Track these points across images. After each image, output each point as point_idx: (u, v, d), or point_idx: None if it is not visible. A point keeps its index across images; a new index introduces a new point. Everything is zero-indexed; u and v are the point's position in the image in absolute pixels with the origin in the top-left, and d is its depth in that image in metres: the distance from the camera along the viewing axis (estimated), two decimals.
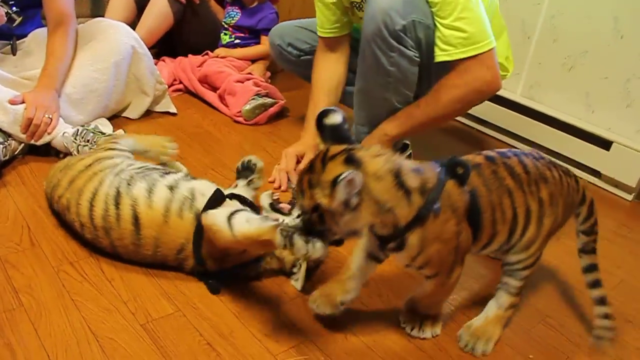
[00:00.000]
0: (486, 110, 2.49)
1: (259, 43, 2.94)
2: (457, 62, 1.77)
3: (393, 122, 1.92)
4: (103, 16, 2.63)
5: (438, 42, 1.78)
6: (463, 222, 1.22)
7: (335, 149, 1.15)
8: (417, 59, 1.85)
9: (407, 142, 2.13)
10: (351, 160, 1.11)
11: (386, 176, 1.11)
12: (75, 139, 1.93)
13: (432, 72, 1.90)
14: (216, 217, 1.36)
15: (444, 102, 1.82)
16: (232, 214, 1.34)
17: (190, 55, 2.86)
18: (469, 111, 2.52)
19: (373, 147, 1.17)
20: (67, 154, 1.95)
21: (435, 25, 1.78)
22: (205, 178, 1.62)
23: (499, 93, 2.15)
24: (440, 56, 1.78)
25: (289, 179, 2.02)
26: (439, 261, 1.22)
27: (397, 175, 1.12)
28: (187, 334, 1.33)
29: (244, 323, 1.38)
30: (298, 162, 2.08)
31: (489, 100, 2.19)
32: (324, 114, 1.23)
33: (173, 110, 2.48)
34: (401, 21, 1.75)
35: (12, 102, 1.90)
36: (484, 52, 1.74)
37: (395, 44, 1.79)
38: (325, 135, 1.22)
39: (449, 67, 1.80)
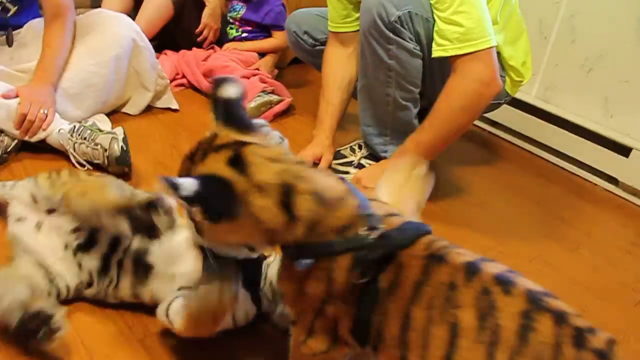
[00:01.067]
0: (499, 112, 2.39)
1: (267, 37, 2.84)
2: (456, 61, 1.68)
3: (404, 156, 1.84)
4: None
5: (436, 36, 1.70)
6: (340, 308, 0.93)
7: (226, 137, 0.94)
8: (417, 51, 1.78)
9: None
10: (236, 162, 0.89)
11: (272, 191, 0.88)
12: (71, 136, 1.84)
13: (435, 71, 1.83)
14: (158, 313, 1.18)
15: (447, 117, 1.74)
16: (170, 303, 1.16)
17: (194, 49, 2.76)
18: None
19: (275, 146, 0.98)
20: (63, 151, 1.86)
21: (433, 19, 1.71)
22: None
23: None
24: (436, 51, 1.71)
25: None
26: (293, 303, 1.00)
27: (287, 194, 0.88)
28: (188, 350, 1.24)
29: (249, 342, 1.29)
30: (315, 164, 1.99)
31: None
32: (218, 82, 0.99)
33: (175, 106, 2.39)
34: (396, 12, 1.70)
35: (6, 96, 1.82)
36: (481, 50, 1.65)
37: (392, 35, 1.73)
38: (218, 112, 0.99)
39: (450, 66, 1.71)
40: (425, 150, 1.80)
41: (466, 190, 2.14)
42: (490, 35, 1.65)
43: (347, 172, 2.01)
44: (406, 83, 1.83)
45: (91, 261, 1.24)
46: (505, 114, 2.57)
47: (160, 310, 1.17)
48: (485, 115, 2.62)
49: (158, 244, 1.22)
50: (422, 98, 1.93)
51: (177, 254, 1.22)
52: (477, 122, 2.74)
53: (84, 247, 1.25)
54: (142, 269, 1.23)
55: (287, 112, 2.51)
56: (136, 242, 1.23)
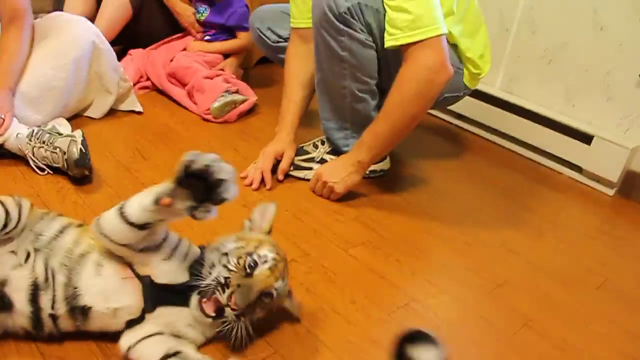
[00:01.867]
0: (464, 104, 2.42)
1: (231, 38, 2.83)
2: (407, 50, 1.69)
3: (362, 148, 1.86)
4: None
5: (387, 26, 1.71)
6: None
7: None
8: (370, 42, 1.80)
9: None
10: None
11: None
12: (30, 140, 1.81)
13: (390, 62, 1.84)
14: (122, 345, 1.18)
15: (400, 105, 1.74)
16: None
17: (163, 46, 2.74)
18: (448, 107, 2.46)
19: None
20: (22, 156, 1.84)
21: (384, 9, 1.72)
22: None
23: (477, 87, 2.09)
24: (388, 41, 1.72)
25: (262, 180, 1.93)
26: None
27: None
28: None
29: None
30: (278, 161, 1.99)
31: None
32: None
33: (139, 108, 2.37)
34: (345, 3, 1.72)
35: None
36: (430, 37, 1.65)
37: (342, 27, 1.75)
38: None
39: (402, 56, 1.72)
40: (382, 141, 1.82)
41: (431, 182, 2.15)
42: (440, 23, 1.66)
43: (310, 169, 2.01)
44: (361, 74, 1.84)
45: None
46: (470, 107, 2.59)
47: (124, 344, 1.16)
48: (450, 108, 2.64)
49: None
50: (381, 92, 1.94)
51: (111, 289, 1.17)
52: (442, 115, 2.77)
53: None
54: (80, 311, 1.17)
55: (252, 111, 2.51)
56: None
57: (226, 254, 1.19)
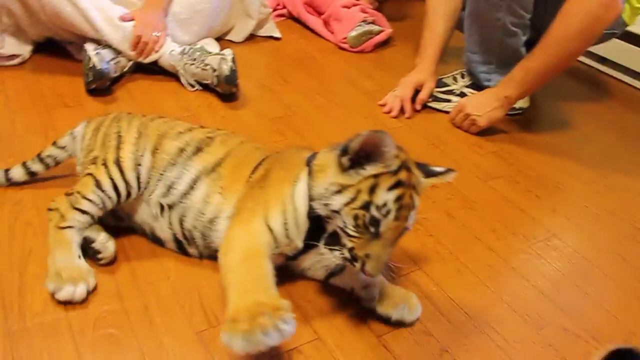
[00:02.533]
0: (609, 47, 2.27)
1: None
2: None
3: (511, 83, 1.80)
4: None
5: None
6: None
7: None
8: None
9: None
10: None
11: None
12: (182, 57, 1.90)
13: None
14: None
15: (561, 41, 1.66)
16: None
17: None
18: (589, 49, 2.32)
19: None
20: (174, 73, 1.94)
21: None
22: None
23: (627, 28, 1.96)
24: None
25: (402, 108, 1.94)
26: None
27: None
28: None
29: None
30: (416, 92, 1.98)
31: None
32: None
33: (277, 34, 2.42)
34: None
35: (123, 19, 1.89)
36: None
37: None
38: None
39: None
40: (534, 78, 1.75)
41: (571, 125, 2.07)
42: None
43: (448, 101, 1.99)
44: (518, 7, 1.77)
45: None
46: (616, 49, 2.43)
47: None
48: (592, 50, 2.49)
49: None
50: (531, 29, 1.86)
51: None
52: (583, 59, 2.63)
53: None
54: None
55: (387, 42, 2.50)
56: None
57: (337, 212, 1.02)
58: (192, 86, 1.92)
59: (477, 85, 1.98)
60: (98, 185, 1.16)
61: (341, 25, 2.40)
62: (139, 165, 1.20)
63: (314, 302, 1.17)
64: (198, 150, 1.23)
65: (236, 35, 2.34)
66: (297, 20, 2.63)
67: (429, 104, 2.00)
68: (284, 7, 2.68)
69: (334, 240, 1.05)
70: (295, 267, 1.21)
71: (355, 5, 2.51)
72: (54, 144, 1.35)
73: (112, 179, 1.17)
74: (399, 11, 2.74)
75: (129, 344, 1.03)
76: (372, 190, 0.99)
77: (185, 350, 1.04)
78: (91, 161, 1.21)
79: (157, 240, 1.25)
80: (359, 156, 1.01)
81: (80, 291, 1.09)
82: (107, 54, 1.86)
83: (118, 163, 1.18)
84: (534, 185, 1.66)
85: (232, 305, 0.95)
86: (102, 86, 1.82)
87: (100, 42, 1.88)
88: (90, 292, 1.11)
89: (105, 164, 1.18)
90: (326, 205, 1.03)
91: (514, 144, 1.86)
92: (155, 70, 1.97)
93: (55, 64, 1.96)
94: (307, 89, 2.03)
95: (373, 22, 2.45)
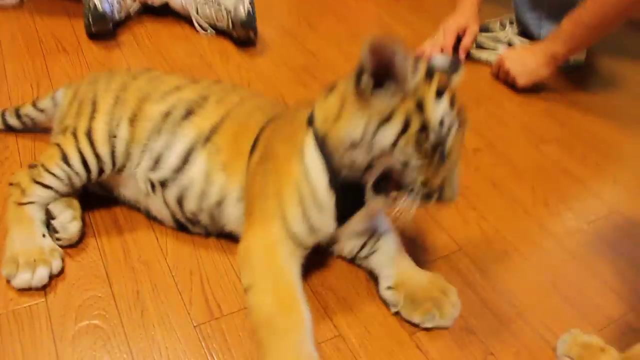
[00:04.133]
0: None
1: None
2: None
3: (559, 38, 1.56)
4: None
5: None
6: None
7: None
8: None
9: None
10: None
11: None
12: None
13: None
14: None
15: None
16: None
17: None
18: None
19: None
20: (185, 16, 1.74)
21: None
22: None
23: None
24: None
25: None
26: None
27: None
28: None
29: None
30: (459, 39, 1.75)
31: None
32: None
33: None
34: None
35: None
36: None
37: None
38: None
39: None
40: (585, 33, 1.51)
41: (632, 83, 1.82)
42: None
43: (495, 49, 1.75)
44: None
45: None
46: None
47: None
48: None
49: None
50: None
51: None
52: None
53: None
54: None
55: None
56: None
57: (393, 148, 0.82)
58: (205, 30, 1.71)
59: (528, 35, 1.74)
60: (65, 158, 0.99)
61: None
62: (114, 137, 1.00)
63: (335, 289, 1.00)
64: (188, 113, 1.02)
65: None
66: None
67: (473, 52, 1.77)
68: None
69: (381, 189, 0.87)
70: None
71: None
72: (34, 104, 1.18)
73: (80, 153, 0.99)
74: None
75: (115, 339, 0.87)
76: (420, 106, 0.81)
77: (181, 347, 0.87)
78: (61, 130, 1.03)
79: (154, 219, 1.08)
80: (377, 75, 0.81)
81: (39, 277, 0.92)
82: None
83: (89, 135, 0.99)
84: (592, 151, 1.44)
85: None
86: (104, 30, 1.62)
87: None
88: (57, 275, 0.95)
89: (74, 135, 1.00)
90: (369, 149, 0.83)
91: (568, 103, 1.63)
92: (165, 12, 1.77)
93: (55, 5, 1.76)
94: (334, 36, 1.81)
95: None
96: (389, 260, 0.99)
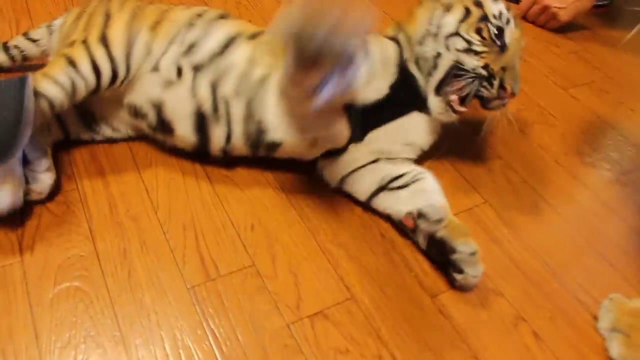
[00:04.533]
0: None
1: None
2: None
3: None
4: None
5: None
6: None
7: None
8: None
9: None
10: None
11: None
12: None
13: None
14: None
15: None
16: None
17: None
18: None
19: None
20: None
21: None
22: None
23: None
24: None
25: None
26: None
27: None
28: (325, 186, 1.00)
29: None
30: None
31: None
32: None
33: None
34: None
35: None
36: None
37: None
38: None
39: None
40: None
41: None
42: None
43: None
44: None
45: None
46: None
47: (332, 175, 0.97)
48: None
49: None
50: None
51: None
52: None
53: None
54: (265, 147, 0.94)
55: None
56: None
57: (456, 34, 0.89)
58: None
59: None
60: (71, 63, 0.87)
61: None
62: (132, 44, 0.91)
63: (346, 245, 0.89)
64: (222, 17, 0.98)
65: None
66: None
67: None
68: None
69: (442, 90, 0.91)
70: (335, 172, 0.96)
71: None
72: (25, 34, 1.06)
73: (92, 58, 0.88)
74: None
75: (99, 303, 0.77)
76: (479, 4, 0.91)
77: (172, 311, 0.77)
78: (67, 45, 0.90)
79: (162, 128, 0.94)
80: None
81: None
82: None
83: (104, 40, 0.89)
84: (628, 96, 1.31)
85: None
86: None
87: None
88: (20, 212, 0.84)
89: (85, 43, 0.89)
90: (435, 36, 0.91)
91: (599, 43, 1.49)
92: None
93: None
94: None
95: None
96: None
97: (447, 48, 0.90)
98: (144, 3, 0.98)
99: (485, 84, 0.88)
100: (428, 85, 0.92)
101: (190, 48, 0.91)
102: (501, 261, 0.90)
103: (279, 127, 0.89)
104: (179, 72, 0.91)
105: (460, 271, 0.82)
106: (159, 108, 0.92)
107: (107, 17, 0.92)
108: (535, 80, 1.31)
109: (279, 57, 0.85)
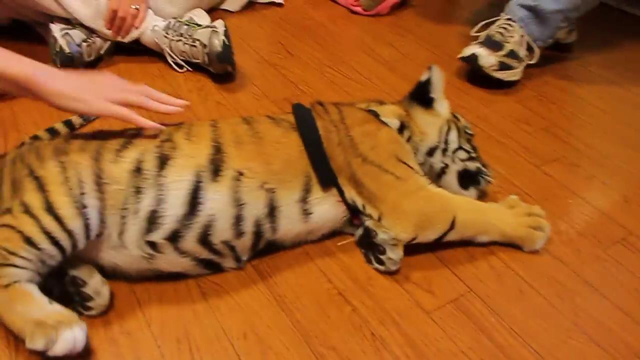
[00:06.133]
0: None
1: None
2: None
3: None
4: None
5: None
6: None
7: None
8: None
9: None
10: None
11: None
12: (167, 33, 1.61)
13: None
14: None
15: None
16: None
17: None
18: None
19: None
20: (159, 52, 1.65)
21: None
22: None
23: None
24: None
25: None
26: None
27: None
28: (314, 281, 1.02)
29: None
30: None
31: None
32: None
33: (279, 0, 2.11)
34: None
35: None
36: None
37: None
38: None
39: None
40: None
41: (628, 88, 1.74)
42: None
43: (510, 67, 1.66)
44: None
45: None
46: None
47: None
48: None
49: None
50: None
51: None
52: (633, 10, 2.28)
53: None
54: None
55: (405, 3, 2.16)
56: None
57: (459, 148, 1.16)
58: (181, 67, 1.63)
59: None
60: (28, 241, 0.84)
61: None
62: (84, 208, 0.88)
63: (337, 348, 0.90)
64: (163, 161, 0.94)
65: (232, 4, 2.02)
66: None
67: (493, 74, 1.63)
68: None
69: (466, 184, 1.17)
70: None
71: None
72: None
73: (47, 233, 0.85)
74: None
75: None
76: (455, 117, 1.19)
77: None
78: (2, 213, 0.88)
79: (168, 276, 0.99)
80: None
81: (79, 335, 0.81)
82: (77, 34, 1.58)
83: (51, 210, 0.86)
84: (598, 168, 1.36)
85: None
86: None
87: (70, 21, 1.60)
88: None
89: (29, 212, 0.85)
90: (444, 151, 1.15)
91: (566, 117, 1.55)
92: (137, 50, 1.68)
93: (23, 49, 1.63)
94: (316, 62, 1.73)
95: None
96: None
97: (454, 161, 1.15)
98: (59, 141, 0.96)
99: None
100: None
101: (153, 222, 0.91)
102: (490, 351, 0.91)
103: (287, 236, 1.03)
104: (154, 246, 0.92)
105: (383, 252, 1.01)
106: (153, 269, 0.96)
107: (36, 178, 0.89)
108: (510, 160, 1.36)
109: None
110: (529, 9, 1.63)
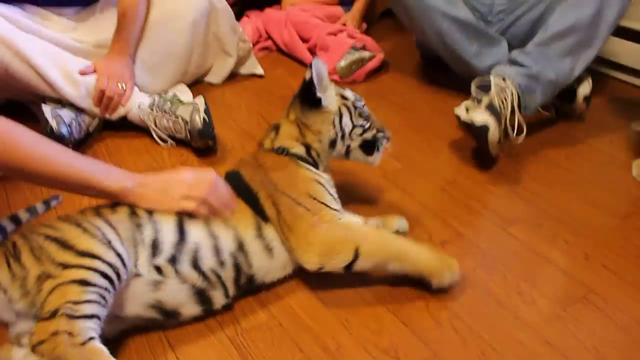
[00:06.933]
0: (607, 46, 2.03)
1: None
2: None
3: None
4: None
5: None
6: None
7: None
8: None
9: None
10: None
11: None
12: (152, 110, 1.71)
13: None
14: None
15: None
16: None
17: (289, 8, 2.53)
18: None
19: None
20: (145, 128, 1.74)
21: None
22: None
23: (623, 23, 1.74)
24: None
25: None
26: None
27: None
28: (284, 349, 1.08)
29: (354, 334, 1.11)
30: None
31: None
32: None
33: (260, 71, 2.22)
34: None
35: (83, 73, 1.71)
36: None
37: None
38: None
39: None
40: None
41: (594, 147, 1.82)
42: None
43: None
44: None
45: None
46: (615, 47, 2.19)
47: None
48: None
49: None
50: None
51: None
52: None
53: None
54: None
55: (380, 69, 2.27)
56: None
57: (354, 126, 1.30)
58: (165, 141, 1.72)
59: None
60: (83, 283, 0.93)
61: (329, 55, 2.19)
62: (110, 242, 1.00)
63: None
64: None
65: (215, 77, 2.14)
66: (283, 52, 2.43)
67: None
68: (268, 38, 2.47)
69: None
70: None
71: (341, 31, 2.30)
72: None
73: (94, 270, 0.95)
74: (390, 31, 2.53)
75: None
76: (344, 97, 1.31)
77: None
78: (39, 279, 0.95)
79: (168, 316, 1.08)
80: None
81: None
82: (67, 114, 1.67)
83: (86, 254, 0.96)
84: (561, 227, 1.43)
85: None
86: None
87: (60, 101, 1.70)
88: None
89: (68, 266, 0.95)
90: (342, 137, 1.29)
91: (531, 177, 1.63)
92: (124, 126, 1.78)
93: None
94: None
95: (363, 48, 2.23)
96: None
97: (352, 139, 1.29)
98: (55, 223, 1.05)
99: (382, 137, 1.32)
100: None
101: (155, 248, 1.06)
102: None
103: (267, 275, 1.18)
104: (159, 270, 1.05)
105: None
106: (160, 305, 1.06)
107: (56, 240, 0.98)
108: (475, 223, 1.43)
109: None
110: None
